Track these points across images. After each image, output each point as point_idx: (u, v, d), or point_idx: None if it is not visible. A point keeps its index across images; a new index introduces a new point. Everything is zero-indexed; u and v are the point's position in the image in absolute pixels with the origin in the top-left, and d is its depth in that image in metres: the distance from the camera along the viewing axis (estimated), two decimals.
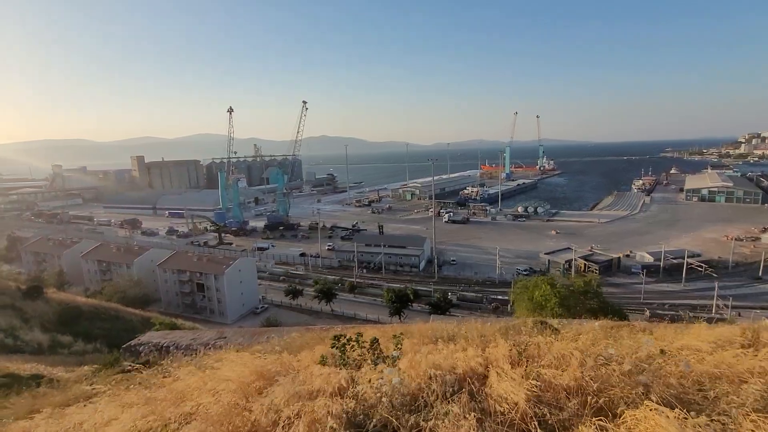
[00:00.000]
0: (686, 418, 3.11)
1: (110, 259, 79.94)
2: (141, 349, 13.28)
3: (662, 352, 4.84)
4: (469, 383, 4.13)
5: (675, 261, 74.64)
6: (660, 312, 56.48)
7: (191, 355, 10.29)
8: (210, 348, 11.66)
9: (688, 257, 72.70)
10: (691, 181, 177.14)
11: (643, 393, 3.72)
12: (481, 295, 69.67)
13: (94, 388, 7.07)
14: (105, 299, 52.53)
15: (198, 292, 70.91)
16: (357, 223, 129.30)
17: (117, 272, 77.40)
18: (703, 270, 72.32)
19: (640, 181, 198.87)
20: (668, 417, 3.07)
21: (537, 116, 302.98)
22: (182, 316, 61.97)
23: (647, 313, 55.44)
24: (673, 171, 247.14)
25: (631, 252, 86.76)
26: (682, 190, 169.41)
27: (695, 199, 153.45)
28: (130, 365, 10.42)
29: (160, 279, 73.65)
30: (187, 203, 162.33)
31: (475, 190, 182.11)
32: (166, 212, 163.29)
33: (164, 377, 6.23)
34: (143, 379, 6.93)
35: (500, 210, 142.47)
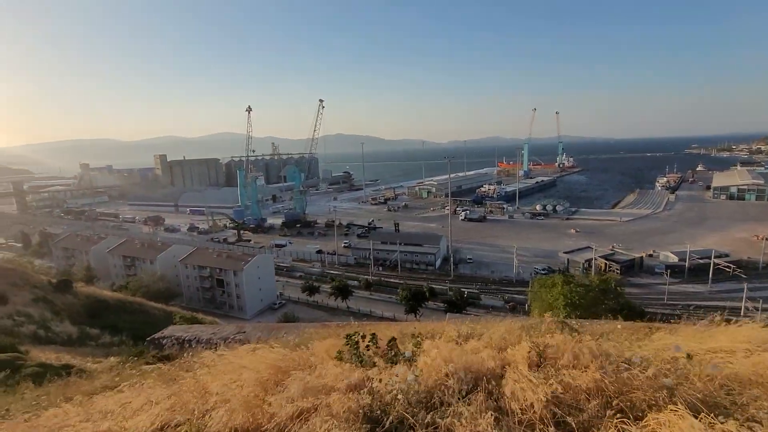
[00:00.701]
0: (713, 423, 3.01)
1: (135, 255, 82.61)
2: (164, 342, 13.70)
3: (689, 357, 4.67)
4: (486, 382, 4.11)
5: (701, 261, 72.00)
6: (689, 313, 54.63)
7: (212, 348, 10.57)
8: (229, 342, 11.93)
9: (715, 257, 70.00)
10: (719, 179, 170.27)
11: (667, 396, 3.62)
12: (503, 301, 68.53)
13: (121, 379, 7.34)
14: (130, 293, 54.29)
15: (218, 288, 72.58)
16: (373, 220, 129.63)
17: (141, 267, 79.95)
18: (731, 271, 69.48)
19: (665, 179, 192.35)
20: (693, 421, 2.99)
21: (556, 112, 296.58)
22: (203, 310, 63.56)
23: (678, 314, 53.48)
24: (699, 168, 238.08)
25: (654, 251, 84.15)
26: (709, 187, 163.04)
27: (723, 197, 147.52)
28: (154, 357, 10.78)
29: (182, 274, 75.69)
30: (207, 201, 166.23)
31: (492, 187, 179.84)
32: (188, 209, 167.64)
33: (187, 370, 6.41)
34: (167, 372, 7.16)
35: (518, 208, 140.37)
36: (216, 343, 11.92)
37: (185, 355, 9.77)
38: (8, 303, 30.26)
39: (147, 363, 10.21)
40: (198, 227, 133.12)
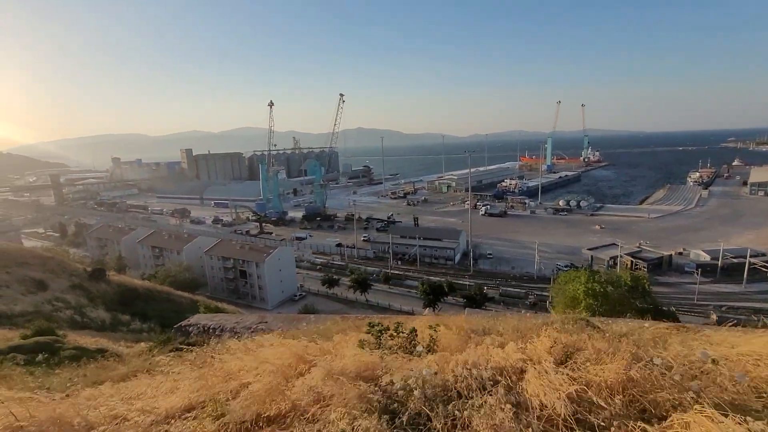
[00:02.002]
0: (740, 424, 2.92)
1: (163, 246, 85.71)
2: (190, 329, 14.23)
3: (714, 362, 4.46)
4: (505, 377, 4.11)
5: (735, 260, 68.63)
6: (728, 316, 52.38)
7: (235, 336, 10.91)
8: (252, 331, 12.29)
9: (751, 256, 66.58)
10: (757, 174, 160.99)
11: (693, 398, 3.52)
12: (525, 291, 67.71)
13: (151, 363, 7.70)
14: (158, 282, 56.45)
15: (241, 279, 74.53)
16: (392, 214, 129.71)
17: (168, 258, 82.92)
18: None
19: (697, 174, 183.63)
20: (722, 422, 2.90)
21: (582, 105, 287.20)
22: (226, 300, 65.47)
23: (713, 316, 51.10)
24: (736, 162, 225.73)
25: (684, 249, 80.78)
26: (745, 183, 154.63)
27: (761, 193, 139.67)
28: (181, 344, 11.23)
29: (207, 265, 78.06)
30: (231, 194, 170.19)
31: (513, 182, 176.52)
32: (212, 202, 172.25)
33: (211, 357, 6.66)
34: (193, 358, 7.47)
35: (540, 203, 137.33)
36: (239, 332, 12.30)
37: (210, 342, 10.14)
38: (48, 289, 32.07)
39: (175, 349, 10.65)
40: (222, 219, 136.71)
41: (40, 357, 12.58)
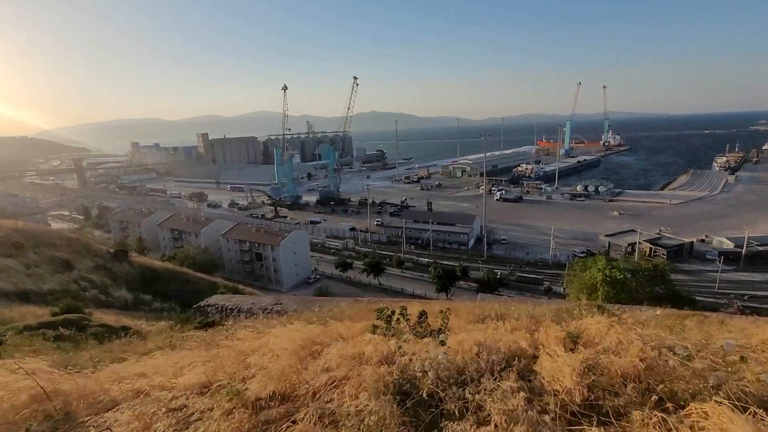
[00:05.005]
0: (763, 419, 2.84)
1: (181, 228, 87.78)
2: (209, 309, 14.67)
3: (743, 359, 4.25)
4: (518, 362, 4.09)
5: (761, 248, 66.30)
6: (743, 303, 51.05)
7: (251, 317, 11.19)
8: (268, 312, 12.57)
9: None
10: None
11: (713, 389, 3.43)
12: (541, 277, 67.08)
13: (171, 341, 7.97)
14: (177, 264, 57.98)
15: (257, 261, 76.03)
16: (406, 199, 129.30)
17: (187, 240, 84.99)
18: None
19: (724, 158, 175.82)
20: (740, 414, 2.82)
21: (604, 86, 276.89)
22: (243, 282, 66.96)
23: (738, 304, 49.72)
24: (766, 147, 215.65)
25: (707, 237, 78.41)
26: None
27: None
28: (200, 323, 11.58)
29: (224, 248, 79.79)
30: (246, 178, 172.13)
31: (529, 167, 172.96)
32: (228, 186, 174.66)
33: (228, 337, 6.84)
34: (211, 337, 7.69)
35: (556, 188, 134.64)
36: (255, 313, 12.61)
37: (228, 322, 10.43)
38: (74, 269, 33.35)
39: (195, 328, 11.00)
40: (238, 203, 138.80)
41: (68, 333, 13.18)
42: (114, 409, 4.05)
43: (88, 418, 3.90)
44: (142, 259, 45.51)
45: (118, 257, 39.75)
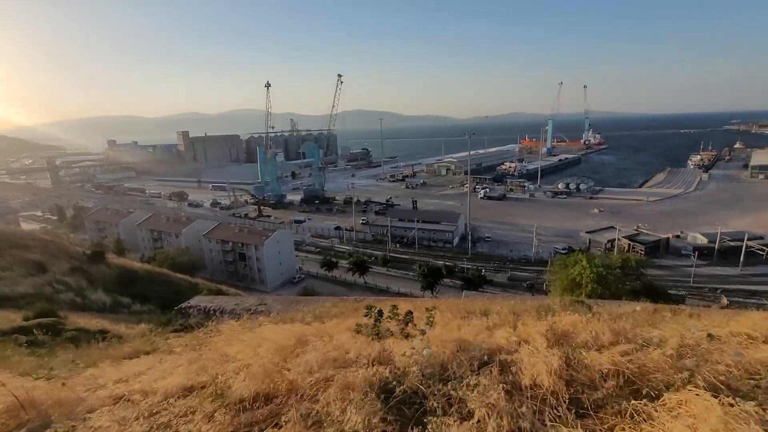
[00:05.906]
0: (732, 405, 2.97)
1: (161, 229, 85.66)
2: (190, 311, 14.38)
3: (710, 336, 4.58)
4: (499, 358, 4.15)
5: (732, 243, 69.11)
6: (715, 296, 52.95)
7: (235, 318, 11.03)
8: (252, 313, 12.41)
9: (748, 239, 67.03)
10: (759, 157, 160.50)
11: (687, 378, 3.57)
12: (534, 275, 67.83)
13: (152, 344, 7.78)
14: (157, 265, 56.65)
15: (240, 261, 74.89)
16: (391, 198, 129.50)
17: (167, 240, 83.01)
18: (765, 253, 66.61)
19: (698, 157, 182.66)
20: (712, 400, 2.95)
21: (584, 86, 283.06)
22: (226, 282, 65.91)
23: (724, 300, 51.16)
24: (737, 145, 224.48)
25: (682, 233, 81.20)
26: (746, 166, 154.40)
27: (762, 176, 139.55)
28: (181, 325, 11.35)
29: (206, 248, 78.27)
30: (228, 177, 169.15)
31: (513, 165, 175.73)
32: (210, 185, 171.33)
33: (210, 338, 6.73)
34: (192, 339, 7.55)
35: (539, 186, 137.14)
36: (239, 314, 12.43)
37: (210, 323, 10.25)
38: (48, 272, 32.21)
39: (174, 330, 10.77)
40: (220, 203, 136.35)
41: (42, 338, 12.72)
42: (93, 414, 3.94)
43: (66, 425, 3.78)
44: (120, 261, 44.30)
45: (94, 259, 38.61)
